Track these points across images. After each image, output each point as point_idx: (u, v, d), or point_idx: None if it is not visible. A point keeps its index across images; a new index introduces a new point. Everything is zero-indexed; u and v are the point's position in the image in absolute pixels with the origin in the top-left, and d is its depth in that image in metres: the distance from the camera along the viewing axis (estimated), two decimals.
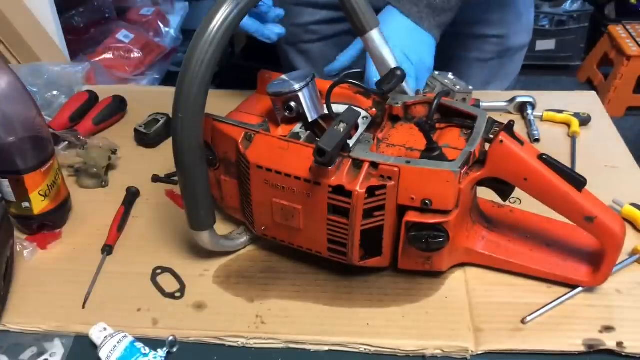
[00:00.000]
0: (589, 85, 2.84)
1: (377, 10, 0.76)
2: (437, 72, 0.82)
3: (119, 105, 1.04)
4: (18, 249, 0.76)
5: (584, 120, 0.98)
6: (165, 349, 0.64)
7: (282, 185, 0.65)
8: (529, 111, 0.99)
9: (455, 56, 1.10)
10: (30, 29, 1.38)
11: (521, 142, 0.63)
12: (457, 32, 1.06)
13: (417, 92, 0.77)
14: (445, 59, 1.09)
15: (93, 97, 1.04)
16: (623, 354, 0.63)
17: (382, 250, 0.68)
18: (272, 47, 1.06)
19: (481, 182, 0.66)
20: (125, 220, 0.82)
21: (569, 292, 0.69)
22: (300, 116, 0.70)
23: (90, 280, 0.73)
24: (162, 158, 0.94)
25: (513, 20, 1.08)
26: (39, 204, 0.76)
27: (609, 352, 0.63)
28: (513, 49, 1.12)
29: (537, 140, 0.94)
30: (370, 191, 0.62)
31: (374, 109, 0.74)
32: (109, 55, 2.06)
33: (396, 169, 0.62)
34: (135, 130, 0.97)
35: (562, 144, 0.95)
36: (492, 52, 1.11)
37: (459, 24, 1.05)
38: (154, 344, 0.64)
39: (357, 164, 0.63)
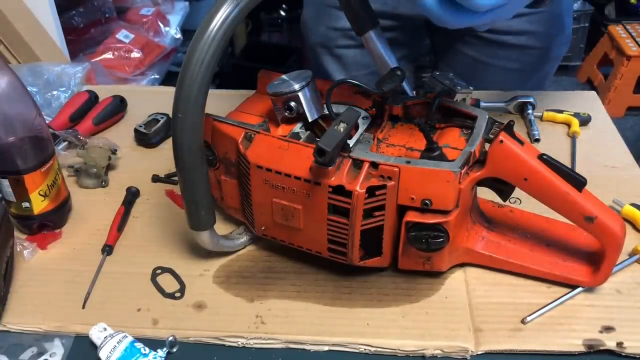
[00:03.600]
0: (589, 85, 2.84)
1: (378, 11, 0.76)
2: (437, 72, 0.81)
3: (119, 105, 1.04)
4: (18, 249, 0.76)
5: (584, 120, 0.98)
6: (165, 349, 0.64)
7: (282, 185, 0.65)
8: (529, 111, 0.99)
9: (494, 65, 1.08)
10: (30, 29, 1.38)
11: (521, 142, 0.63)
12: (500, 41, 1.04)
13: (417, 92, 0.77)
14: (482, 67, 1.07)
15: (93, 97, 1.04)
16: (623, 354, 0.63)
17: (382, 250, 0.67)
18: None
19: (481, 182, 0.66)
20: (125, 220, 0.82)
21: (569, 292, 0.69)
22: (300, 116, 0.70)
23: (90, 280, 0.73)
24: (162, 158, 0.94)
25: (557, 33, 1.06)
26: (39, 204, 0.76)
27: (609, 352, 0.63)
28: (553, 59, 1.10)
29: (537, 140, 0.94)
30: (370, 191, 0.62)
31: (374, 109, 0.74)
32: (109, 55, 2.07)
33: (396, 169, 0.62)
34: (135, 130, 0.97)
35: (562, 144, 0.95)
36: (532, 64, 1.08)
37: (503, 34, 1.02)
38: (154, 344, 0.64)
39: (357, 164, 0.63)
